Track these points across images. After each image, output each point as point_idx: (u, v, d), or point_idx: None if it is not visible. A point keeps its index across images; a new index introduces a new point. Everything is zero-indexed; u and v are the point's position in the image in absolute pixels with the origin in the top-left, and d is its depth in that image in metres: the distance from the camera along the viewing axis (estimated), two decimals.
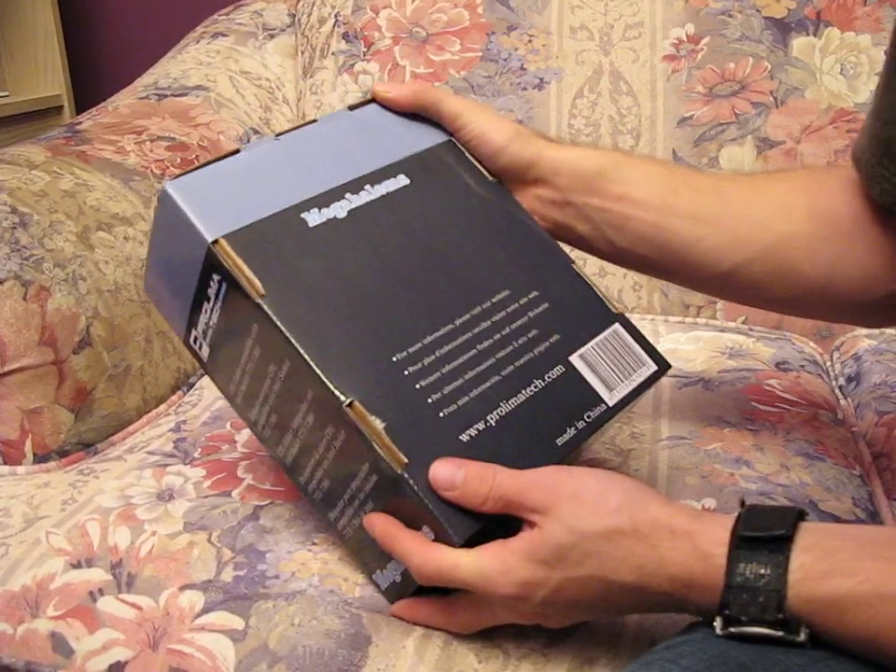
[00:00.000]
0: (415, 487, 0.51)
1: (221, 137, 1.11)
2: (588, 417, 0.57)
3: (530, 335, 0.59)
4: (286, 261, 0.56)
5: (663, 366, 0.63)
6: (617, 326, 0.62)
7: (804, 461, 0.74)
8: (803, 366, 0.94)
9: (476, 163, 0.66)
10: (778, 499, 0.68)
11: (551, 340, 0.59)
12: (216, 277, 0.56)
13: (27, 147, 0.94)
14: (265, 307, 0.54)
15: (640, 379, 0.61)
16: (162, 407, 0.91)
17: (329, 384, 0.52)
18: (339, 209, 0.59)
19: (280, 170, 0.60)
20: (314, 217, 0.58)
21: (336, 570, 0.61)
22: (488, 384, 0.56)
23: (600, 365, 0.60)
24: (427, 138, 0.65)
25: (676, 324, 1.07)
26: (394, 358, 0.55)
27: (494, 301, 0.59)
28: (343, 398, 0.52)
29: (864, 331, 1.03)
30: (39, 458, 0.79)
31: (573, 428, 0.57)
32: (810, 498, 0.69)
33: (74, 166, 0.92)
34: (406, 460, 0.51)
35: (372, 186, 0.61)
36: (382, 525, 0.54)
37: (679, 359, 0.94)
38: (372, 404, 0.52)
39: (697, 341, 0.99)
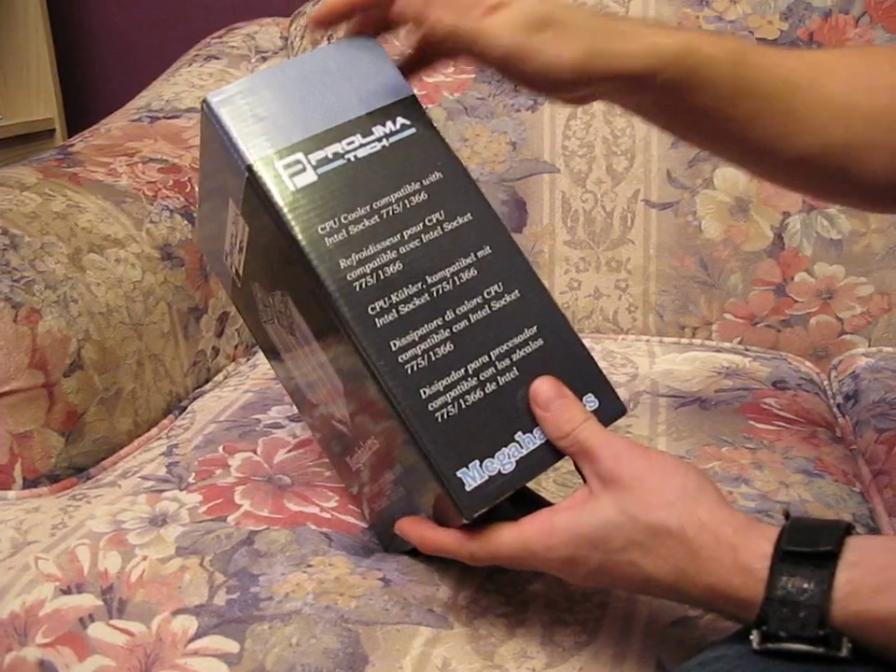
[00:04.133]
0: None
1: None
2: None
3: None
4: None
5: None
6: None
7: (803, 478, 0.73)
8: (800, 384, 0.94)
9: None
10: (777, 517, 0.67)
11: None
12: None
13: (18, 169, 0.94)
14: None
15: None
16: (154, 431, 0.90)
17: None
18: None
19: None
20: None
21: (331, 588, 0.60)
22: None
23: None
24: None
25: (671, 345, 1.07)
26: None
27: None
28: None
29: (861, 350, 1.03)
30: (29, 483, 0.78)
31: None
32: (810, 515, 0.68)
33: (66, 188, 0.92)
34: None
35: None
36: (413, 531, 0.55)
37: (676, 379, 0.93)
38: None
39: (693, 361, 0.99)
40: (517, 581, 0.60)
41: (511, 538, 0.51)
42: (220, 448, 0.79)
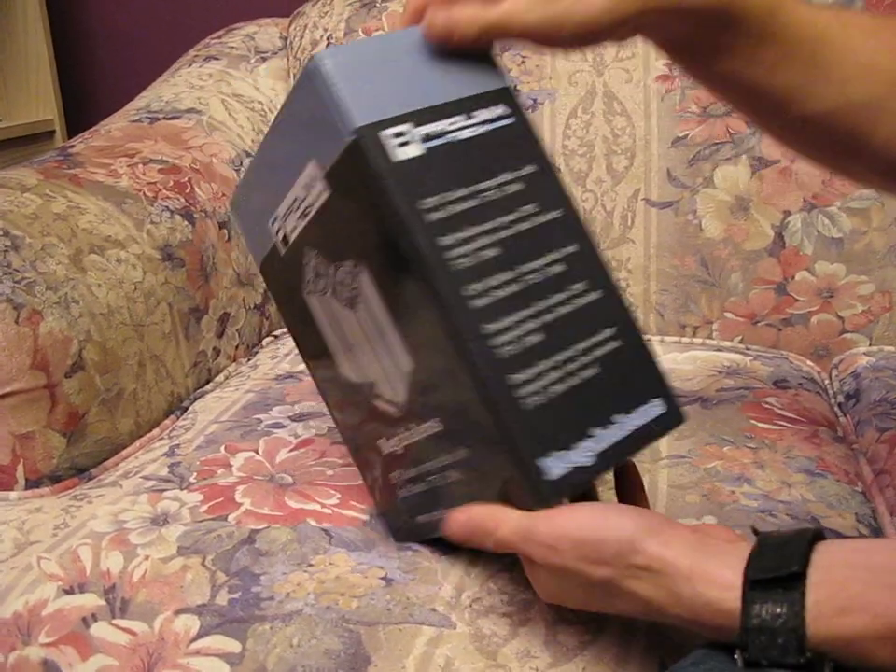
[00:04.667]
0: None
1: (214, 160, 1.10)
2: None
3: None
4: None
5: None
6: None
7: (805, 478, 0.73)
8: (801, 384, 0.94)
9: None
10: (780, 517, 0.67)
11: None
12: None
13: (19, 171, 0.94)
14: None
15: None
16: (156, 431, 0.90)
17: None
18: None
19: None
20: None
21: (332, 588, 0.60)
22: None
23: None
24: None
25: (672, 344, 1.07)
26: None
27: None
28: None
29: (863, 349, 1.03)
30: (31, 483, 0.78)
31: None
32: (812, 515, 0.68)
33: (66, 189, 0.92)
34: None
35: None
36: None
37: (677, 379, 0.93)
38: None
39: (694, 360, 0.99)
40: (520, 580, 0.60)
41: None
42: (222, 448, 0.79)
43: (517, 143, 0.56)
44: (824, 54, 0.60)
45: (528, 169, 0.56)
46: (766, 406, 0.86)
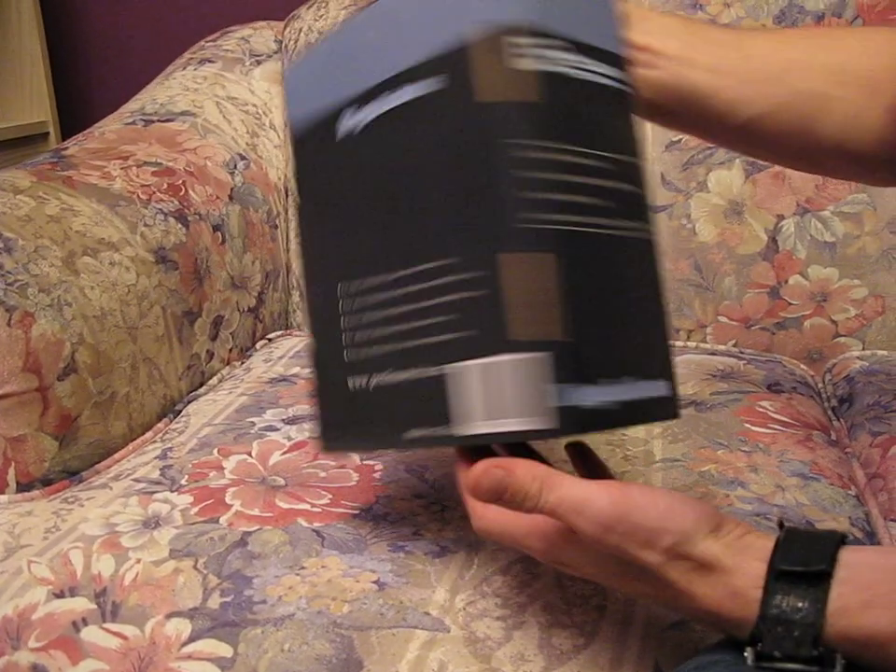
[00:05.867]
0: None
1: (208, 163, 1.10)
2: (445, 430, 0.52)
3: (450, 317, 0.52)
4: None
5: (558, 426, 0.48)
6: (545, 356, 0.48)
7: (799, 481, 0.73)
8: (795, 388, 0.94)
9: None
10: (775, 520, 0.67)
11: (464, 333, 0.51)
12: None
13: (12, 173, 0.93)
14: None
15: (518, 428, 0.49)
16: (148, 434, 0.89)
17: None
18: (368, 113, 0.56)
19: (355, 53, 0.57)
20: (345, 123, 0.57)
21: (324, 592, 0.60)
22: (388, 346, 0.54)
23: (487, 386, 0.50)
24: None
25: None
26: (338, 286, 0.59)
27: (439, 264, 0.52)
28: None
29: (856, 353, 1.03)
30: (23, 487, 0.78)
31: (425, 429, 0.53)
32: (807, 519, 0.68)
33: (59, 191, 0.91)
34: None
35: (411, 84, 0.54)
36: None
37: None
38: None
39: (688, 364, 0.99)
40: (514, 584, 0.60)
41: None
42: (215, 451, 0.79)
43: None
44: (757, 57, 0.64)
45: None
46: (760, 410, 0.86)
